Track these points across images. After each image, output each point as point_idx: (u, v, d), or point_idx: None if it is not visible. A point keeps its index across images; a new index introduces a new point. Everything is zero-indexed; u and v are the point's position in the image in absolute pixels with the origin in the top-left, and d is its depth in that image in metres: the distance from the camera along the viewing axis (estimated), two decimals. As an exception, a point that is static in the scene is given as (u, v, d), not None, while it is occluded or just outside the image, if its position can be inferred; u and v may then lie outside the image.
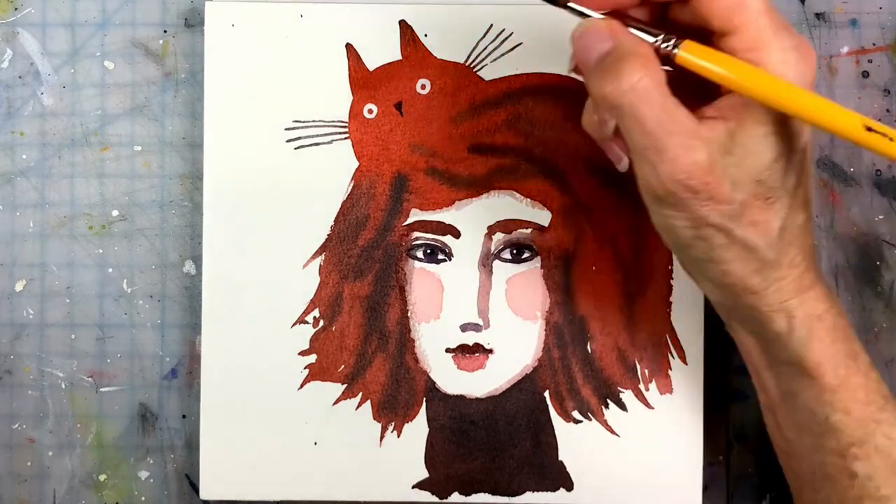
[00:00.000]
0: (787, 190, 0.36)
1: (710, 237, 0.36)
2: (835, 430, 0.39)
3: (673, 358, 0.47)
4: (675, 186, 0.35)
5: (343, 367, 0.47)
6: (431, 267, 0.47)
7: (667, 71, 0.35)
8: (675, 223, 0.37)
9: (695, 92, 0.36)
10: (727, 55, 0.35)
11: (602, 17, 0.36)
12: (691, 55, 0.35)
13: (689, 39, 0.35)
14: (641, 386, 0.47)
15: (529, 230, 0.47)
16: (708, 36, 0.36)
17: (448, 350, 0.47)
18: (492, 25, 0.47)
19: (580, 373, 0.47)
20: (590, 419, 0.47)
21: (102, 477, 0.48)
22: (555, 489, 0.47)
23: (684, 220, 0.36)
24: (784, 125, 0.35)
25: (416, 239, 0.47)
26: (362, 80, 0.47)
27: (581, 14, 0.37)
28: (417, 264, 0.47)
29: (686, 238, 0.37)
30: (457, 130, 0.47)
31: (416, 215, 0.47)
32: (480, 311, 0.47)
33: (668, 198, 0.36)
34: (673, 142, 0.34)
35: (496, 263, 0.47)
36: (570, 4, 0.37)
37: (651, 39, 0.35)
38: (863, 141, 0.33)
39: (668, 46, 0.35)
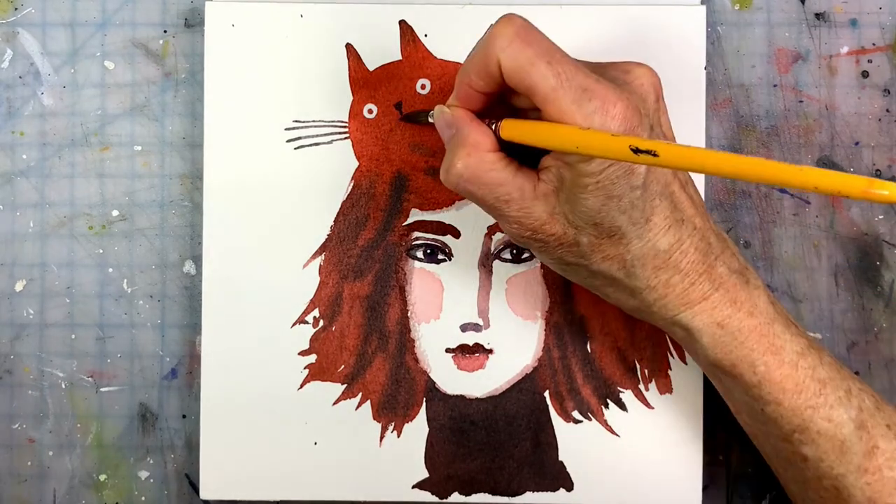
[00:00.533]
0: (633, 224, 0.38)
1: (575, 271, 0.41)
2: (773, 420, 0.40)
3: (673, 358, 0.47)
4: (524, 241, 0.40)
5: (343, 367, 0.47)
6: (431, 267, 0.47)
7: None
8: (546, 262, 0.42)
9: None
10: (534, 122, 0.38)
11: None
12: (508, 130, 0.39)
13: (507, 118, 0.39)
14: (641, 386, 0.47)
15: (529, 230, 0.47)
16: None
17: (448, 350, 0.47)
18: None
19: (580, 373, 0.47)
20: (590, 419, 0.47)
21: (102, 477, 0.48)
22: (555, 489, 0.47)
23: (549, 260, 0.41)
24: (606, 172, 0.37)
25: (416, 239, 0.47)
26: (362, 80, 0.47)
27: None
28: (417, 264, 0.47)
29: (560, 272, 0.42)
30: (457, 130, 0.47)
31: (416, 215, 0.47)
32: (480, 311, 0.47)
33: (528, 247, 0.41)
34: (511, 209, 0.39)
35: (496, 263, 0.47)
36: (430, 118, 0.43)
37: (486, 121, 0.40)
38: (634, 159, 0.34)
39: (494, 126, 0.39)
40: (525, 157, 0.40)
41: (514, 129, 0.39)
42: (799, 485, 0.42)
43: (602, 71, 0.39)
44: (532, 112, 0.38)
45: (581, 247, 0.39)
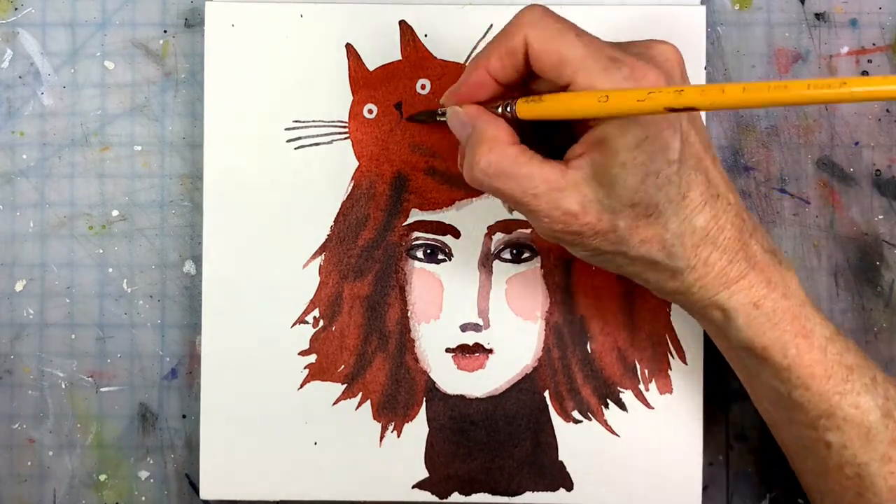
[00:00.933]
0: (670, 202, 0.38)
1: (611, 260, 0.40)
2: (799, 405, 0.40)
3: (673, 358, 0.47)
4: (559, 235, 0.39)
5: (343, 367, 0.47)
6: (431, 267, 0.47)
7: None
8: (579, 255, 0.41)
9: (573, 136, 0.38)
10: (552, 94, 0.37)
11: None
12: (526, 108, 0.38)
13: (521, 97, 0.38)
14: (641, 386, 0.47)
15: (529, 230, 0.47)
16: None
17: (448, 350, 0.47)
18: (492, 25, 0.47)
19: (580, 373, 0.47)
20: (590, 419, 0.47)
21: (102, 477, 0.48)
22: (555, 489, 0.47)
23: (584, 252, 0.40)
24: (643, 147, 0.36)
25: (416, 239, 0.47)
26: (362, 80, 0.47)
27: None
28: (417, 264, 0.47)
29: (595, 263, 0.41)
30: (457, 130, 0.47)
31: (416, 215, 0.47)
32: (480, 311, 0.47)
33: (560, 242, 0.40)
34: (541, 202, 0.38)
35: (496, 263, 0.47)
36: (439, 117, 0.43)
37: (499, 111, 0.39)
38: (675, 103, 0.33)
39: (509, 109, 0.39)
40: (546, 152, 0.39)
41: (534, 107, 0.38)
42: (818, 475, 0.41)
43: (625, 48, 0.39)
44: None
45: (618, 232, 0.38)
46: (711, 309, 0.40)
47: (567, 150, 0.38)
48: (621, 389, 0.47)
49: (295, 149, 0.47)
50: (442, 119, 0.42)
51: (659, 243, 0.38)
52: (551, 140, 0.40)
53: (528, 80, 0.39)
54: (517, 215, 0.47)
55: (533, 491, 0.47)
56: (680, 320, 0.47)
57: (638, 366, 0.47)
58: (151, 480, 0.48)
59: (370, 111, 0.47)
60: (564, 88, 0.37)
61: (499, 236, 0.47)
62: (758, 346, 0.40)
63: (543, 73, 0.37)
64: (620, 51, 0.37)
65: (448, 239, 0.47)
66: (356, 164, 0.47)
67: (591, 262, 0.41)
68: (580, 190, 0.37)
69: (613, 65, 0.36)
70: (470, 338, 0.47)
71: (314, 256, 0.47)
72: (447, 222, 0.47)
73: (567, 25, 0.37)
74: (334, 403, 0.47)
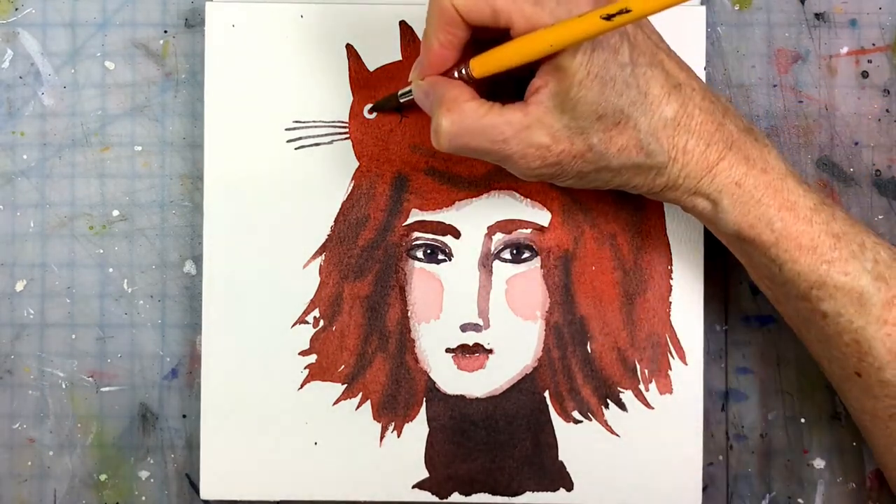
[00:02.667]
0: (633, 104, 0.39)
1: (597, 178, 0.41)
2: (791, 280, 0.41)
3: (673, 358, 0.47)
4: (539, 171, 0.40)
5: (343, 367, 0.47)
6: (431, 267, 0.47)
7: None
8: (566, 184, 0.42)
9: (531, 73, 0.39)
10: (501, 46, 0.38)
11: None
12: (478, 66, 0.39)
13: (472, 58, 0.39)
14: (641, 386, 0.47)
15: (529, 230, 0.47)
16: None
17: (448, 350, 0.47)
18: (492, 25, 0.47)
19: (580, 373, 0.47)
20: (590, 419, 0.47)
21: (103, 477, 0.48)
22: (555, 489, 0.47)
23: (570, 180, 0.41)
24: (593, 59, 0.37)
25: (416, 239, 0.47)
26: (362, 80, 0.47)
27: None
28: (417, 264, 0.47)
29: (587, 187, 0.42)
30: (457, 130, 0.47)
31: (416, 215, 0.47)
32: (480, 311, 0.47)
33: (544, 178, 0.41)
34: (511, 145, 0.39)
35: (496, 263, 0.47)
36: (402, 95, 0.44)
37: (456, 75, 0.40)
38: (611, 27, 0.35)
39: (465, 71, 0.40)
40: (507, 97, 0.40)
41: (485, 63, 0.39)
42: (821, 343, 0.42)
43: None
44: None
45: (594, 149, 0.39)
46: (699, 198, 0.41)
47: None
48: (621, 389, 0.47)
49: (295, 149, 0.47)
50: (404, 100, 0.44)
51: (636, 147, 0.39)
52: (513, 85, 0.40)
53: (478, 36, 0.40)
54: (516, 215, 0.47)
55: (533, 491, 0.47)
56: (680, 320, 0.47)
57: (638, 366, 0.47)
58: (152, 480, 0.48)
59: (370, 111, 0.47)
60: (508, 31, 0.38)
61: (499, 236, 0.47)
62: (744, 225, 0.40)
63: (483, 25, 0.38)
64: None
65: (448, 239, 0.47)
66: (356, 164, 0.47)
67: (579, 186, 0.42)
68: (545, 122, 0.38)
69: None
70: (470, 338, 0.47)
71: (314, 256, 0.47)
72: (447, 222, 0.47)
73: None
74: (334, 403, 0.47)
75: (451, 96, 0.39)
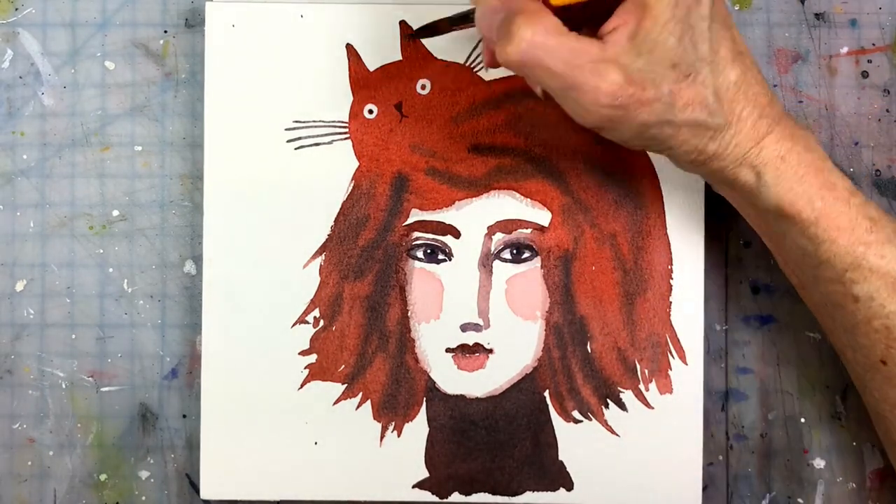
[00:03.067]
0: (703, 59, 0.38)
1: (657, 134, 0.40)
2: (826, 261, 0.41)
3: (673, 358, 0.47)
4: (605, 111, 0.38)
5: (343, 366, 0.47)
6: (431, 267, 0.47)
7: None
8: (622, 138, 0.40)
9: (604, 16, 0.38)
10: None
11: None
12: None
13: None
14: (641, 386, 0.47)
15: (529, 230, 0.47)
16: None
17: (448, 350, 0.47)
18: (492, 25, 0.47)
19: (580, 373, 0.47)
20: (590, 419, 0.47)
21: (103, 477, 0.48)
22: (555, 489, 0.47)
23: (628, 132, 0.39)
24: (680, 4, 0.37)
25: (416, 239, 0.47)
26: (362, 80, 0.47)
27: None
28: (417, 264, 0.47)
29: (640, 144, 0.41)
30: (457, 130, 0.47)
31: (416, 215, 0.47)
32: (480, 311, 0.47)
33: (606, 122, 0.39)
34: (584, 75, 0.37)
35: (496, 263, 0.47)
36: (450, 23, 0.42)
37: None
38: None
39: None
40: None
41: None
42: (848, 331, 0.42)
43: None
44: None
45: (663, 99, 0.38)
46: (744, 168, 0.41)
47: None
48: (621, 389, 0.47)
49: (295, 149, 0.47)
50: (456, 25, 0.42)
51: (701, 103, 0.39)
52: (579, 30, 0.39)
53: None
54: (517, 215, 0.47)
55: (533, 491, 0.47)
56: (680, 320, 0.47)
57: (638, 366, 0.47)
58: (152, 480, 0.48)
59: (370, 111, 0.47)
60: None
61: (499, 236, 0.47)
62: (786, 201, 0.40)
63: None
64: None
65: (448, 239, 0.47)
66: (356, 164, 0.47)
67: (633, 144, 0.41)
68: (621, 61, 0.37)
69: None
70: (470, 338, 0.47)
71: (314, 256, 0.47)
72: (447, 222, 0.47)
73: None
74: (334, 403, 0.47)
75: (532, 8, 0.37)
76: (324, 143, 0.47)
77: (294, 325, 0.47)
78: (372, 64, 0.47)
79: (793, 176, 0.40)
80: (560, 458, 0.47)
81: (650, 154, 0.47)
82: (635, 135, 0.40)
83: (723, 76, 0.39)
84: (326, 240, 0.47)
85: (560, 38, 0.37)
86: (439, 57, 0.47)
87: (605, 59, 0.37)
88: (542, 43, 0.37)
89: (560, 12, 0.37)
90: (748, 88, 0.40)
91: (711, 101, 0.39)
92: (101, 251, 0.48)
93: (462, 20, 0.42)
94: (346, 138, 0.47)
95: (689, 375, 0.47)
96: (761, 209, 0.41)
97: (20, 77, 0.48)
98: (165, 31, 0.49)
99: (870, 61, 0.48)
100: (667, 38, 0.37)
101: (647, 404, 0.47)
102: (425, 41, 0.47)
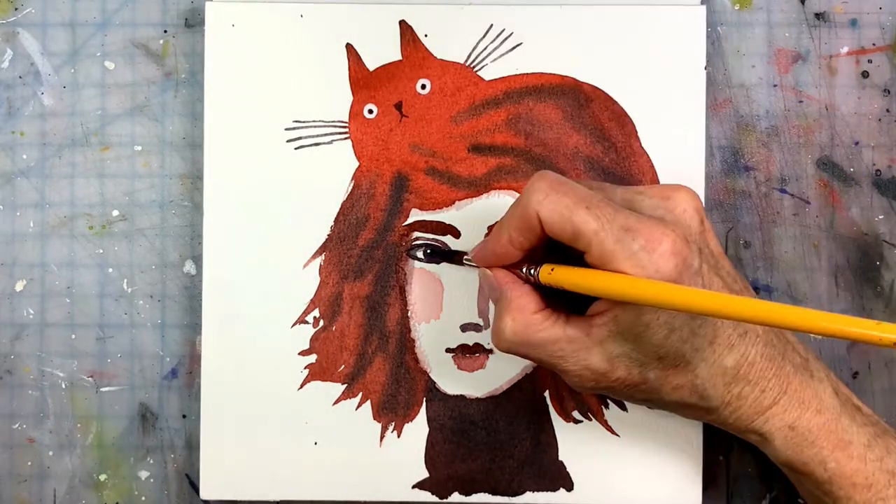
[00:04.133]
0: (696, 351, 0.38)
1: (644, 403, 0.42)
2: None
3: (673, 358, 0.47)
4: (591, 392, 0.41)
5: (343, 366, 0.47)
6: (431, 267, 0.47)
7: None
8: (617, 399, 0.44)
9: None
10: (582, 270, 0.38)
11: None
12: (548, 277, 0.39)
13: (547, 264, 0.39)
14: (641, 386, 0.47)
15: (529, 230, 0.47)
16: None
17: (448, 350, 0.47)
18: (492, 25, 0.47)
19: (580, 373, 0.47)
20: (590, 419, 0.47)
21: (102, 477, 0.48)
22: (555, 489, 0.47)
23: (619, 398, 0.43)
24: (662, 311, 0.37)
25: (417, 239, 0.47)
26: (362, 80, 0.47)
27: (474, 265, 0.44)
28: (417, 264, 0.47)
29: (634, 404, 0.44)
30: (457, 130, 0.47)
31: (416, 215, 0.47)
32: (480, 312, 0.47)
33: (596, 393, 0.41)
34: (567, 363, 0.39)
35: (496, 263, 0.47)
36: (466, 261, 0.45)
37: (523, 271, 0.41)
38: (703, 311, 0.34)
39: (533, 273, 0.40)
40: (571, 302, 0.40)
41: (556, 278, 0.39)
42: None
43: (640, 199, 0.39)
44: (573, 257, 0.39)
45: (649, 383, 0.39)
46: (749, 434, 0.41)
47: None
48: (621, 389, 0.47)
49: (295, 149, 0.47)
50: (468, 265, 0.45)
51: (690, 388, 0.39)
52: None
53: (549, 242, 0.40)
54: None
55: (533, 491, 0.47)
56: (680, 320, 0.47)
57: (638, 366, 0.47)
58: (151, 480, 0.48)
59: (370, 111, 0.47)
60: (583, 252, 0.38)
61: (499, 236, 0.47)
62: (797, 463, 0.40)
63: (562, 241, 0.38)
64: (634, 218, 0.37)
65: (448, 239, 0.47)
66: (356, 164, 0.47)
67: (631, 402, 0.44)
68: (606, 348, 0.39)
69: (627, 235, 0.37)
70: (470, 338, 0.47)
71: (314, 256, 0.47)
72: (447, 222, 0.47)
73: (575, 198, 0.38)
74: (334, 403, 0.47)
75: (519, 304, 0.40)
76: (324, 143, 0.47)
77: (294, 325, 0.47)
78: (372, 64, 0.47)
79: (802, 442, 0.40)
80: (560, 458, 0.47)
81: (650, 154, 0.47)
82: (626, 402, 0.43)
83: (717, 365, 0.39)
84: (326, 240, 0.47)
85: (541, 334, 0.39)
86: (439, 57, 0.47)
87: (589, 346, 0.39)
88: (525, 340, 0.39)
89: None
90: (749, 368, 0.39)
91: (702, 388, 0.39)
92: (101, 251, 0.48)
93: (472, 263, 0.44)
94: (346, 138, 0.47)
95: (689, 375, 0.47)
96: (772, 459, 0.42)
97: (20, 77, 0.48)
98: (165, 31, 0.49)
99: (870, 61, 0.48)
100: (651, 335, 0.38)
101: (647, 404, 0.47)
102: (425, 41, 0.47)
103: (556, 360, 0.39)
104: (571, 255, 0.39)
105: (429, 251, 0.47)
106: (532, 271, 0.40)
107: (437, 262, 0.47)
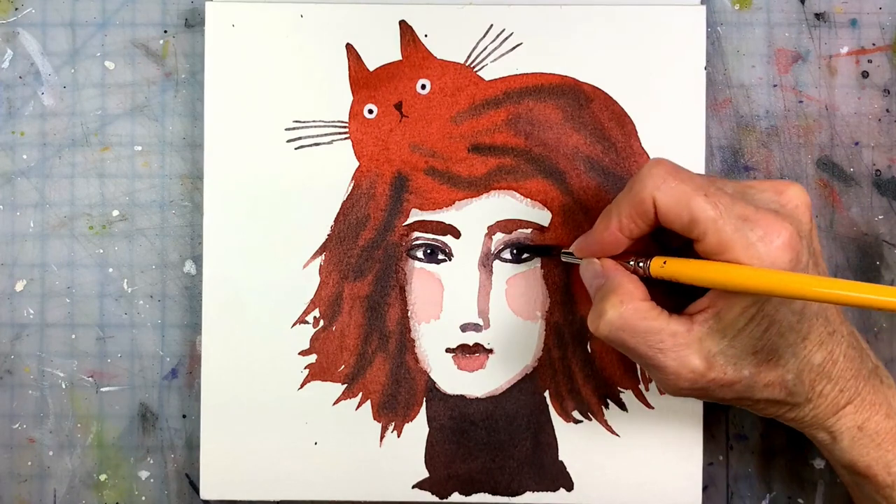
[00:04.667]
0: (789, 346, 0.39)
1: (736, 403, 0.41)
2: None
3: (673, 358, 0.47)
4: (685, 393, 0.40)
5: (343, 367, 0.47)
6: (431, 267, 0.47)
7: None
8: (704, 400, 0.43)
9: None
10: (686, 260, 0.38)
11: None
12: (660, 270, 0.39)
13: (657, 256, 0.40)
14: (641, 386, 0.47)
15: (529, 230, 0.47)
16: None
17: (448, 350, 0.47)
18: (492, 25, 0.47)
19: (580, 373, 0.47)
20: (590, 419, 0.47)
21: (103, 477, 0.48)
22: (555, 489, 0.47)
23: (709, 400, 0.41)
24: (766, 301, 0.37)
25: (417, 239, 0.47)
26: (362, 80, 0.47)
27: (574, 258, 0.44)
28: (417, 264, 0.47)
29: (722, 403, 0.42)
30: (457, 130, 0.47)
31: (416, 215, 0.47)
32: (480, 311, 0.47)
33: (686, 395, 0.40)
34: (667, 358, 0.39)
35: (496, 263, 0.47)
36: (563, 255, 0.44)
37: (631, 263, 0.41)
38: (816, 298, 0.35)
39: (642, 266, 0.40)
40: (673, 300, 0.40)
41: (669, 270, 0.39)
42: None
43: (754, 192, 0.39)
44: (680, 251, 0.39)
45: (743, 381, 0.39)
46: (820, 431, 0.41)
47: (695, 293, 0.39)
48: (621, 389, 0.47)
49: (295, 149, 0.47)
50: (566, 260, 0.44)
51: (780, 385, 0.40)
52: (679, 287, 0.40)
53: (655, 231, 0.40)
54: (517, 215, 0.47)
55: (533, 491, 0.47)
56: (680, 320, 0.47)
57: (638, 366, 0.47)
58: (151, 480, 0.48)
59: (370, 111, 0.47)
60: (693, 240, 0.38)
61: (499, 236, 0.47)
62: (861, 465, 0.41)
63: (673, 228, 0.38)
64: (751, 206, 0.37)
65: (448, 239, 0.47)
66: (356, 164, 0.47)
67: (713, 402, 0.43)
68: (704, 345, 0.38)
69: (745, 225, 0.37)
70: (470, 338, 0.47)
71: (314, 256, 0.47)
72: (447, 222, 0.47)
73: (694, 184, 0.38)
74: (334, 403, 0.47)
75: (628, 289, 0.39)
76: (324, 143, 0.47)
77: (294, 325, 0.47)
78: (372, 64, 0.47)
79: (870, 443, 0.41)
80: (560, 458, 0.47)
81: (650, 154, 0.47)
82: (714, 402, 0.42)
83: (806, 360, 0.40)
84: (326, 240, 0.47)
85: (646, 322, 0.38)
86: (439, 57, 0.47)
87: (689, 343, 0.38)
88: (627, 326, 0.39)
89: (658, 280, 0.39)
90: (833, 366, 0.40)
91: (792, 384, 0.40)
92: (101, 251, 0.48)
93: (570, 256, 0.44)
94: (346, 138, 0.47)
95: (689, 375, 0.47)
96: (837, 462, 0.42)
97: (20, 77, 0.48)
98: (165, 31, 0.49)
99: (870, 61, 0.48)
100: (752, 330, 0.38)
101: (647, 404, 0.47)
102: (425, 41, 0.47)
103: (655, 353, 0.39)
104: (667, 249, 0.39)
105: (515, 251, 0.46)
106: (640, 264, 0.40)
107: (530, 259, 0.47)
